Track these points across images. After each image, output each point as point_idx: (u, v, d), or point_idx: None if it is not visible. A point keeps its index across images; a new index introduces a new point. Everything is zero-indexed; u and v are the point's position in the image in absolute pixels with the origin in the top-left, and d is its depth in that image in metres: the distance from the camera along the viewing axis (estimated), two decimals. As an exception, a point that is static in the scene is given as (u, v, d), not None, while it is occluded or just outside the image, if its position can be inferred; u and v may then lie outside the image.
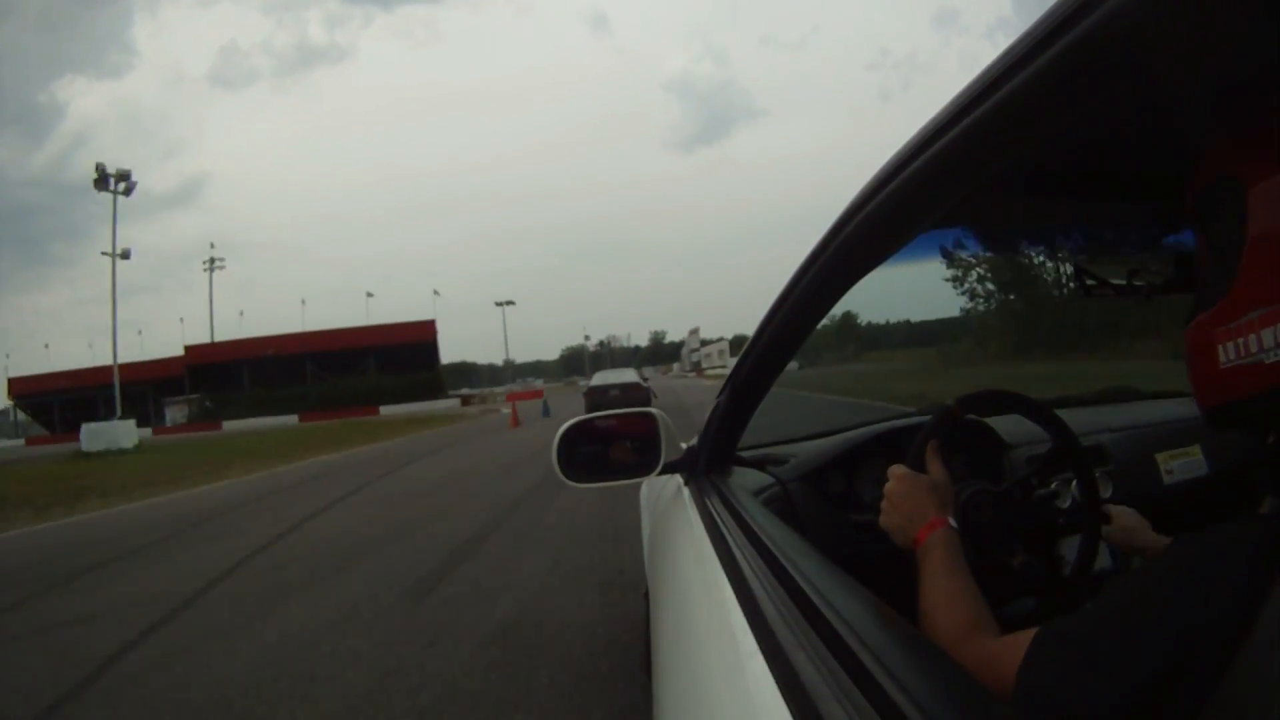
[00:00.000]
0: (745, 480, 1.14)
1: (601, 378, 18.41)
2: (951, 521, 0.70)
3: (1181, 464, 1.23)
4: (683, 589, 0.86)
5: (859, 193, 0.55)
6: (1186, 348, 0.49)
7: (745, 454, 1.27)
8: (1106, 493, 1.16)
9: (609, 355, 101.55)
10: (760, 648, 0.51)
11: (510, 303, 63.30)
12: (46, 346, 57.14)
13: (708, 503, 0.99)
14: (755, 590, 0.62)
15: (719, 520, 0.88)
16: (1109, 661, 0.40)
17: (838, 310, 0.77)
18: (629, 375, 18.40)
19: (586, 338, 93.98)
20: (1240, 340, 0.43)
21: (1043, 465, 0.90)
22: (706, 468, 1.15)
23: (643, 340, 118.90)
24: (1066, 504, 0.93)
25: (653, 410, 1.17)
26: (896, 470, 0.76)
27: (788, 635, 0.50)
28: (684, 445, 1.21)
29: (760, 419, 1.09)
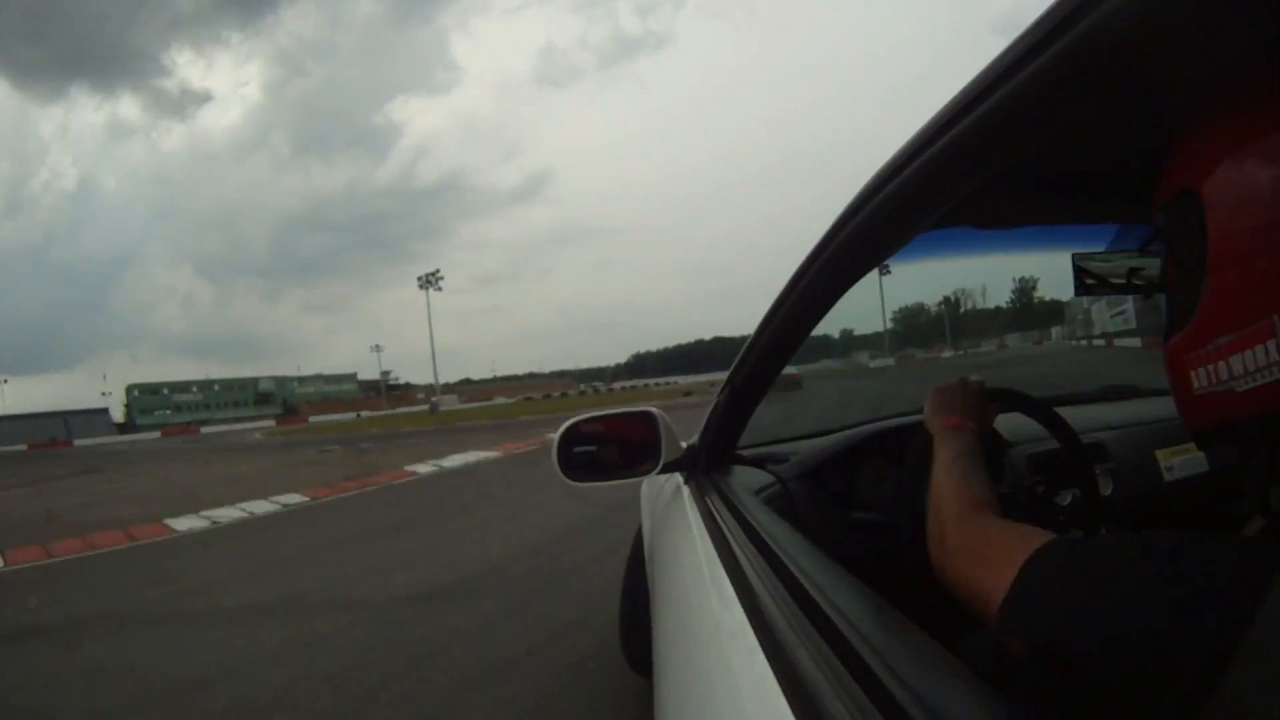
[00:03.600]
0: (745, 479, 1.14)
1: None
2: (975, 425, 0.71)
3: (1181, 461, 1.23)
4: (684, 587, 0.86)
5: (859, 193, 0.55)
6: (1166, 366, 0.47)
7: (745, 452, 1.27)
8: (1107, 490, 1.16)
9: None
10: (761, 645, 0.51)
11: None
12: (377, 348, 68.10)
13: (708, 501, 0.99)
14: (756, 588, 0.62)
15: (719, 518, 0.88)
16: (1108, 604, 0.37)
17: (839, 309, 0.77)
18: None
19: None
20: (1210, 367, 0.41)
21: (1045, 466, 0.90)
22: (707, 466, 1.15)
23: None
24: (1066, 502, 0.93)
25: (653, 409, 1.17)
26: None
27: (788, 633, 0.50)
28: (684, 444, 1.21)
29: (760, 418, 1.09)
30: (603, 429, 1.21)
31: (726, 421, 1.09)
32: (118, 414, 76.53)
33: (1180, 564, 0.36)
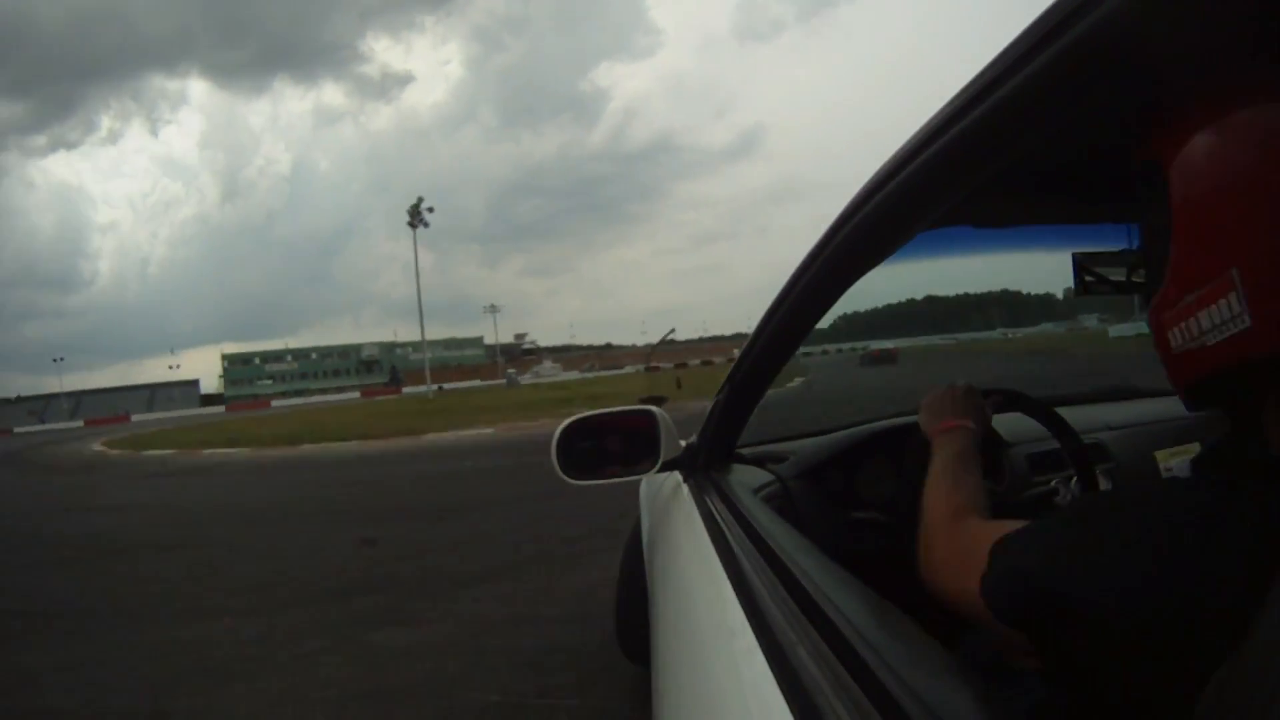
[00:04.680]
0: (745, 477, 1.14)
1: None
2: (971, 424, 0.73)
3: (1181, 462, 1.23)
4: (683, 586, 0.86)
5: (859, 191, 0.55)
6: (1151, 329, 0.49)
7: (744, 451, 1.28)
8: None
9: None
10: (760, 644, 0.51)
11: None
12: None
13: (707, 500, 0.99)
14: (755, 587, 0.62)
15: (719, 517, 0.88)
16: (1077, 560, 0.42)
17: (838, 308, 0.77)
18: None
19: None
20: (1183, 325, 0.43)
21: (1045, 466, 0.91)
22: (706, 465, 1.15)
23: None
24: (1067, 502, 0.94)
25: (652, 408, 1.17)
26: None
27: (787, 632, 0.50)
28: (683, 443, 1.21)
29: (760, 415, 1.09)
30: (602, 426, 1.21)
31: (726, 420, 1.09)
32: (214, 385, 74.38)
33: (1144, 512, 0.41)
